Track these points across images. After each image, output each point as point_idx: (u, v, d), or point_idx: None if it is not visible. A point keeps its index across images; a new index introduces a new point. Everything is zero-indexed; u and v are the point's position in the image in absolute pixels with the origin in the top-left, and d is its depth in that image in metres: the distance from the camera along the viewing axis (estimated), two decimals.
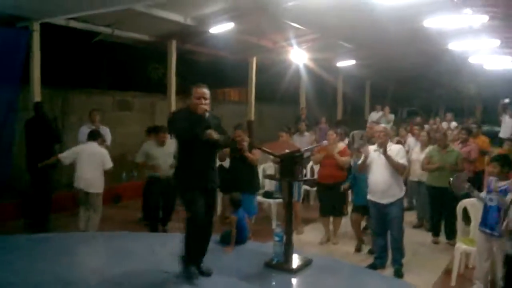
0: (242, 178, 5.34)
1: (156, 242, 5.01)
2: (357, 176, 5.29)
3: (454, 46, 10.65)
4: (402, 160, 4.48)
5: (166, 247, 4.57)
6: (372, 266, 4.70)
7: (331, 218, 5.66)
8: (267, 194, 6.40)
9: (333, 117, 15.12)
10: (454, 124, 11.10)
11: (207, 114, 3.66)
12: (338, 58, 12.98)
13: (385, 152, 4.41)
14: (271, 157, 5.36)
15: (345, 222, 5.69)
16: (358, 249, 5.38)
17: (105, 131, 6.87)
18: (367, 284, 4.16)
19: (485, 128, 10.45)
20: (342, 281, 4.09)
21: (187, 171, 3.76)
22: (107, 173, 5.64)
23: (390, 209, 4.47)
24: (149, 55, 12.25)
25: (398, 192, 4.47)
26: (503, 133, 10.00)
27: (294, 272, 3.92)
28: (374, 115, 13.28)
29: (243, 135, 5.42)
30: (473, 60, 12.93)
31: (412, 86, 18.99)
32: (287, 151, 3.56)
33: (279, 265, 3.97)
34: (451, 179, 4.27)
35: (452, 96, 19.44)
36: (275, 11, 7.91)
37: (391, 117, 13.22)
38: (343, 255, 5.19)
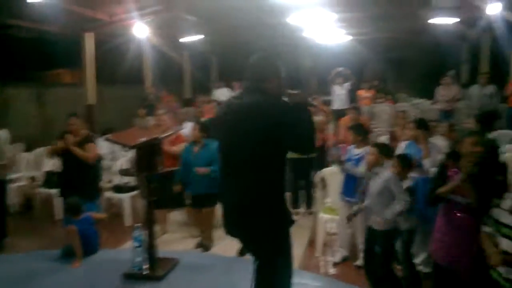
0: (77, 181, 4.39)
1: None
2: (188, 162, 4.65)
3: (292, 19, 11.03)
4: None
5: None
6: (243, 252, 4.46)
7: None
8: (118, 188, 5.63)
9: (180, 96, 14.61)
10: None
11: None
12: (183, 33, 12.39)
13: None
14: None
15: None
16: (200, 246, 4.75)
17: None
18: (239, 274, 3.88)
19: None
20: (214, 276, 3.72)
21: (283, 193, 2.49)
22: None
23: None
24: None
25: None
26: (336, 105, 10.27)
27: (161, 279, 3.40)
28: (220, 92, 13.17)
29: (79, 124, 4.47)
30: (308, 33, 13.73)
31: None
32: (142, 139, 2.94)
33: (142, 274, 3.40)
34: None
35: (290, 69, 20.64)
36: None
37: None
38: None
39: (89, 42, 10.33)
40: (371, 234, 3.45)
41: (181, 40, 12.88)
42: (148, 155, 2.94)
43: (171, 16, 10.52)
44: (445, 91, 8.98)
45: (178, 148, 4.94)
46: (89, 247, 3.93)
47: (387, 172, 3.39)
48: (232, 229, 2.47)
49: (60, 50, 11.98)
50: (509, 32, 9.71)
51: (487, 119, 3.90)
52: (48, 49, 11.91)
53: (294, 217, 2.54)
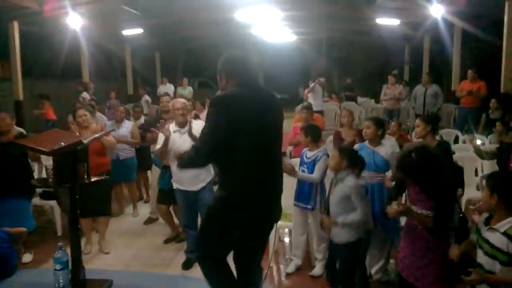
0: (12, 177, 3.94)
1: None
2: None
3: (240, 15, 10.73)
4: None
5: None
6: (188, 264, 4.08)
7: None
8: (47, 195, 5.01)
9: (122, 92, 13.82)
10: None
11: None
12: (124, 26, 11.66)
13: (190, 132, 3.75)
14: None
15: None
16: (168, 240, 4.69)
17: None
18: None
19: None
20: None
21: None
22: None
23: (201, 195, 3.88)
24: None
25: (208, 175, 3.89)
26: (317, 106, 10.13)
27: None
28: (163, 88, 12.65)
29: (9, 122, 3.99)
30: (255, 31, 13.50)
31: (202, 57, 19.02)
32: (62, 144, 2.44)
33: None
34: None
35: None
36: None
37: (190, 89, 12.83)
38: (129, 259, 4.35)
39: (15, 32, 9.35)
40: (333, 247, 3.20)
41: (123, 33, 12.13)
42: (69, 163, 2.44)
43: (109, 7, 9.85)
44: (391, 90, 9.05)
45: (110, 139, 4.49)
46: (4, 268, 3.35)
47: (351, 179, 3.12)
48: (271, 219, 2.61)
49: None
50: (449, 34, 10.02)
51: (435, 120, 3.83)
52: None
53: None
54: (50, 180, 2.66)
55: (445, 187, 2.57)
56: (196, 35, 14.33)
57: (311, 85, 9.76)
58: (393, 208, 2.60)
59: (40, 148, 2.49)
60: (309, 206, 3.78)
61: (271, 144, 2.51)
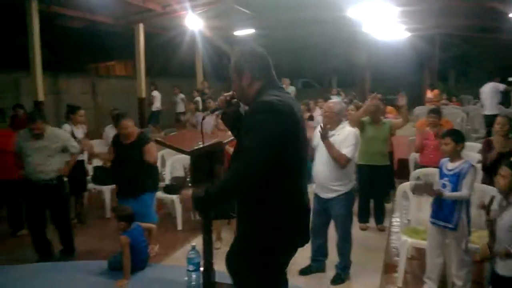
0: (138, 175, 4.10)
1: None
2: None
3: (352, 13, 10.29)
4: (346, 150, 3.51)
5: None
6: (306, 271, 3.89)
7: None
8: (169, 189, 5.18)
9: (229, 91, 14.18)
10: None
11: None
12: (236, 27, 11.95)
13: (324, 137, 3.52)
14: None
15: None
16: None
17: None
18: None
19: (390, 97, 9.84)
20: None
21: None
22: None
23: (332, 205, 3.65)
24: (5, 21, 9.86)
25: (341, 186, 3.61)
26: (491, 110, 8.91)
27: None
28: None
29: (131, 126, 4.13)
30: (366, 29, 12.88)
31: (306, 57, 18.79)
32: (200, 144, 2.39)
33: None
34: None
35: (344, 66, 19.72)
36: None
37: (292, 88, 12.68)
38: None
39: (141, 34, 10.08)
40: (497, 282, 2.74)
41: (234, 33, 12.46)
42: (208, 164, 2.38)
43: (224, 8, 10.11)
44: None
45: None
46: (137, 263, 3.47)
47: None
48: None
49: (113, 42, 11.91)
50: None
51: None
52: (101, 40, 11.85)
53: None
54: (188, 179, 2.64)
55: None
56: (302, 34, 14.14)
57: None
58: None
59: (181, 148, 2.47)
60: (450, 225, 3.32)
61: (306, 156, 2.10)
